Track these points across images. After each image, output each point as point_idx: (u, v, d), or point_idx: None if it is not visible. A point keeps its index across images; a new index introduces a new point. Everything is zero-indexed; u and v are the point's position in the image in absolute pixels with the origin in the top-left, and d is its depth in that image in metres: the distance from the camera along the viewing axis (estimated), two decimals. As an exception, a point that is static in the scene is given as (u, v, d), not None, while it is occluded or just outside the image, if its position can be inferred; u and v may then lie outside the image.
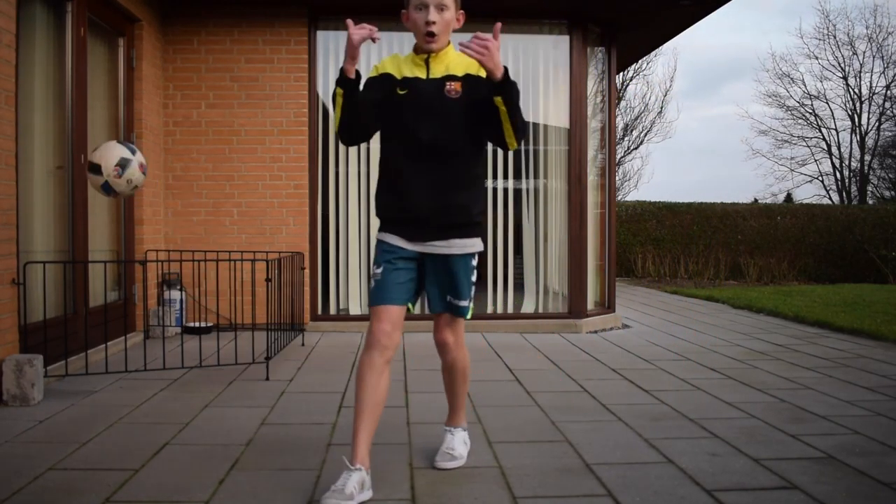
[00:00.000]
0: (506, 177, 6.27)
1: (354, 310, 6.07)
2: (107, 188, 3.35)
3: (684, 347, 5.34)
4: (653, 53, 20.37)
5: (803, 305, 7.95)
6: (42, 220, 4.18)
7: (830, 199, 26.68)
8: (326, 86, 6.10)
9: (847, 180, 26.46)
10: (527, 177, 6.38)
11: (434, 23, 2.41)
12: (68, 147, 4.38)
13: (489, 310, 6.23)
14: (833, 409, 3.50)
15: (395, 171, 2.49)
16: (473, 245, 2.53)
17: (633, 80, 20.92)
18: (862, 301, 8.54)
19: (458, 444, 2.70)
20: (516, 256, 6.37)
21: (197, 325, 5.58)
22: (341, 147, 6.10)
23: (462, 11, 2.53)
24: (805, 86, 31.32)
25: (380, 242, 2.52)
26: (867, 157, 26.09)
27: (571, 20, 6.11)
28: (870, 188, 26.49)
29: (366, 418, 2.34)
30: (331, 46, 6.07)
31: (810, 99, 26.31)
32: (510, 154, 6.15)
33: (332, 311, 6.11)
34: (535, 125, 6.30)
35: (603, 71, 6.69)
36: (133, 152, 3.40)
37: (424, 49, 2.47)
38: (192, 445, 2.84)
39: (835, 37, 29.70)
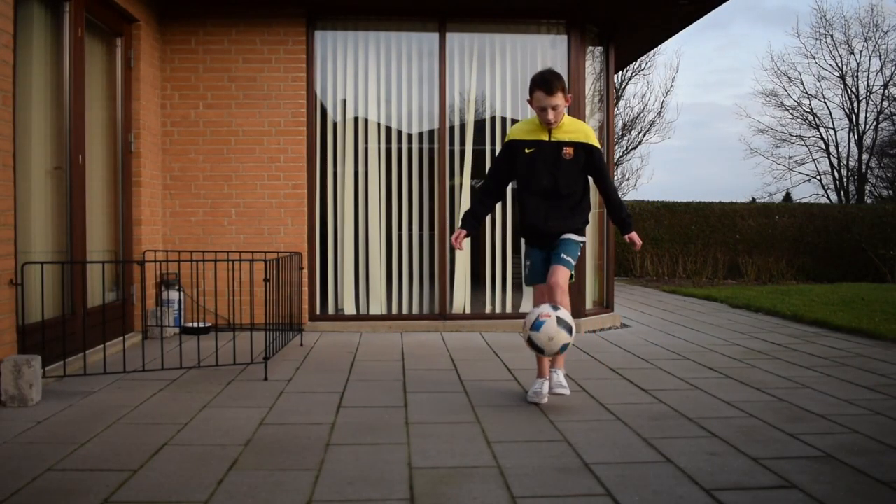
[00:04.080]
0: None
1: (349, 310, 6.07)
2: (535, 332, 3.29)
3: (683, 347, 5.35)
4: (652, 53, 20.40)
5: (801, 304, 7.96)
6: (40, 221, 4.17)
7: (828, 198, 26.73)
8: (325, 86, 6.10)
9: (845, 179, 26.49)
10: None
11: (552, 121, 3.45)
12: (66, 147, 4.38)
13: (488, 309, 6.23)
14: (832, 408, 3.50)
15: (527, 205, 3.57)
16: (577, 237, 3.59)
17: (633, 80, 20.95)
18: (860, 300, 8.55)
19: (564, 379, 3.56)
20: (514, 256, 6.37)
21: (195, 325, 5.57)
22: (339, 147, 6.10)
23: (570, 95, 3.51)
24: (803, 84, 31.38)
25: (527, 248, 3.70)
26: (865, 156, 26.14)
27: (570, 20, 6.11)
28: (868, 187, 26.53)
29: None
30: (329, 47, 6.07)
31: (808, 98, 26.36)
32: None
33: (331, 311, 6.11)
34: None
35: (601, 70, 6.69)
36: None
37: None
38: (190, 446, 2.84)
39: (832, 36, 29.76)
